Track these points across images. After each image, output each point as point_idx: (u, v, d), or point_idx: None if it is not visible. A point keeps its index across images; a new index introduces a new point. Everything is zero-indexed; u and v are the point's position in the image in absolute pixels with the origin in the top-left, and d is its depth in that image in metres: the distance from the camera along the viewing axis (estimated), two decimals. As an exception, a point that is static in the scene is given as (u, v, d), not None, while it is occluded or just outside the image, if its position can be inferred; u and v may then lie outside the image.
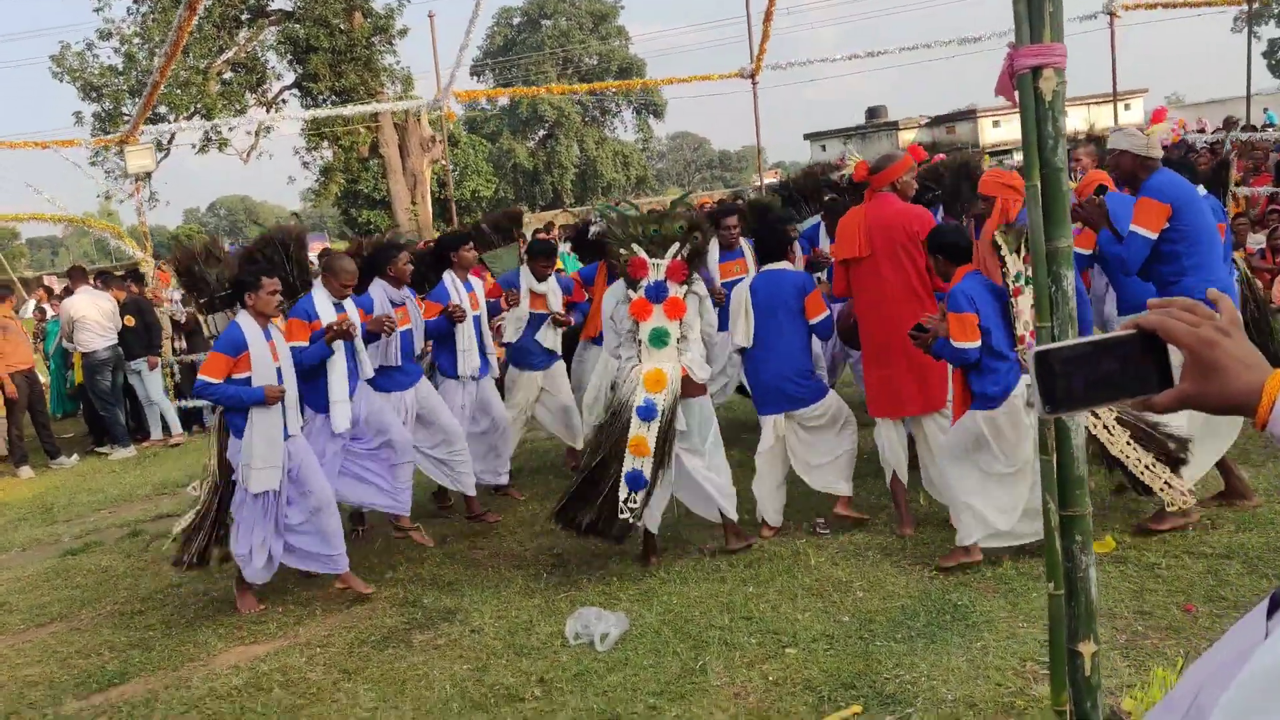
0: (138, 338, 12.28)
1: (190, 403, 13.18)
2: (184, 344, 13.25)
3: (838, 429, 6.68)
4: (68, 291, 12.44)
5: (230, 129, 31.67)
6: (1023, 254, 5.52)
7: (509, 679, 5.03)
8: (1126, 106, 37.02)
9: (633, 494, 5.98)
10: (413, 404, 7.17)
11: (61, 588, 7.42)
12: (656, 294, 6.14)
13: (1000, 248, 5.57)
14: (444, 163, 42.79)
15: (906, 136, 35.71)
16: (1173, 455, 5.61)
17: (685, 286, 6.20)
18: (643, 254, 6.16)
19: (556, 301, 7.91)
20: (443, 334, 7.46)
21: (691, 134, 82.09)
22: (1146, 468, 5.57)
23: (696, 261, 6.26)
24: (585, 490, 6.09)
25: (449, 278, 7.54)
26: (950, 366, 5.81)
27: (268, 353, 6.14)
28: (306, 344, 6.44)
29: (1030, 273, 5.45)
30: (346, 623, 6.08)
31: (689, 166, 79.40)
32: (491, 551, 7.04)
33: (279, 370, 6.21)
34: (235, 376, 6.08)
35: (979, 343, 5.51)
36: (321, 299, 6.57)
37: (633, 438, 6.02)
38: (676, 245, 6.17)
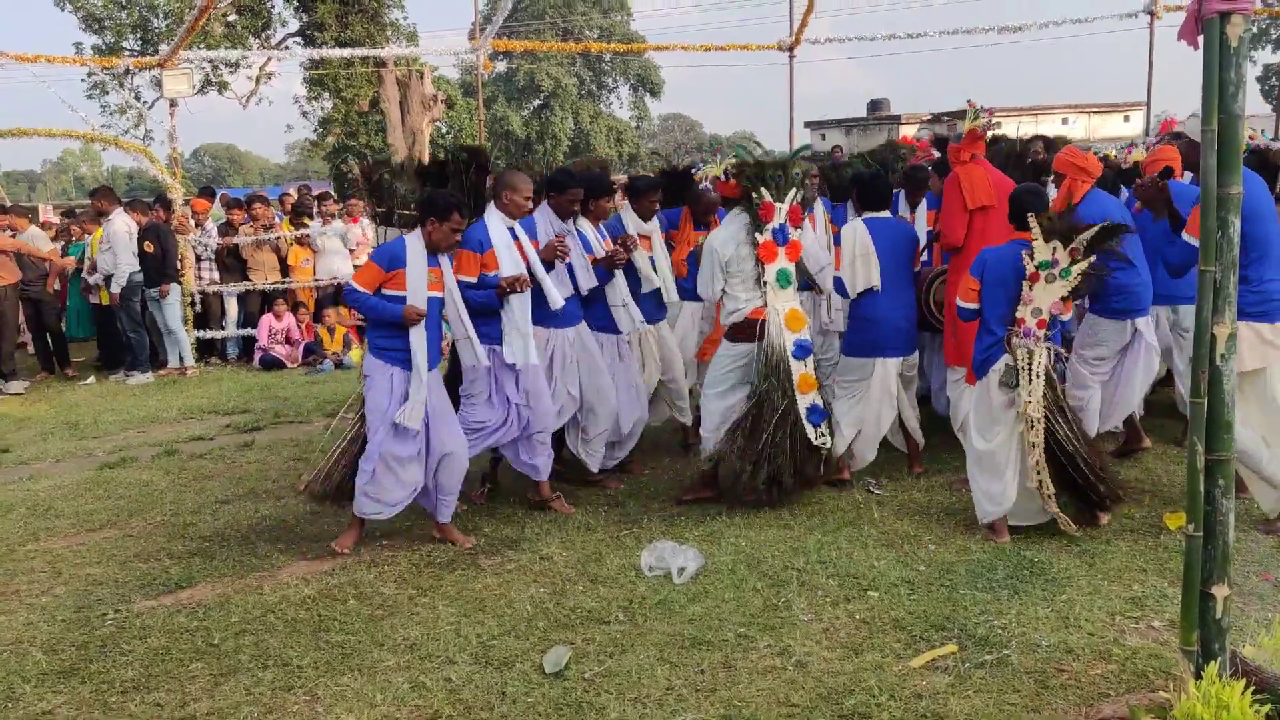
0: (155, 265, 12.16)
1: (210, 333, 13.10)
2: (215, 275, 13.14)
3: (914, 385, 7.05)
4: (99, 214, 12.26)
5: (236, 66, 31.33)
6: (1070, 246, 5.45)
7: (590, 603, 5.06)
8: (1126, 118, 37.22)
9: (819, 427, 6.29)
10: (573, 345, 6.70)
11: (104, 497, 7.37)
12: (782, 236, 6.37)
13: (1031, 228, 5.55)
14: (453, 121, 42.36)
15: (908, 131, 35.75)
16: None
17: (800, 230, 6.46)
18: (770, 198, 6.33)
19: (659, 240, 7.34)
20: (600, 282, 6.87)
21: (684, 116, 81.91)
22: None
23: (808, 206, 6.56)
24: (756, 446, 6.21)
25: (586, 226, 6.90)
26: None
27: (425, 279, 5.85)
28: (474, 280, 6.16)
29: (1070, 265, 5.44)
30: (409, 545, 6.08)
31: (680, 148, 79.19)
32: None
33: (437, 302, 5.95)
34: (388, 292, 5.81)
35: (975, 305, 5.76)
36: (495, 224, 6.26)
37: (799, 377, 6.28)
38: (794, 190, 6.39)
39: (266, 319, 12.97)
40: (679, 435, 8.02)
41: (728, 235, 6.43)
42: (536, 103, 60.34)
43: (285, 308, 13.07)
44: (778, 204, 6.33)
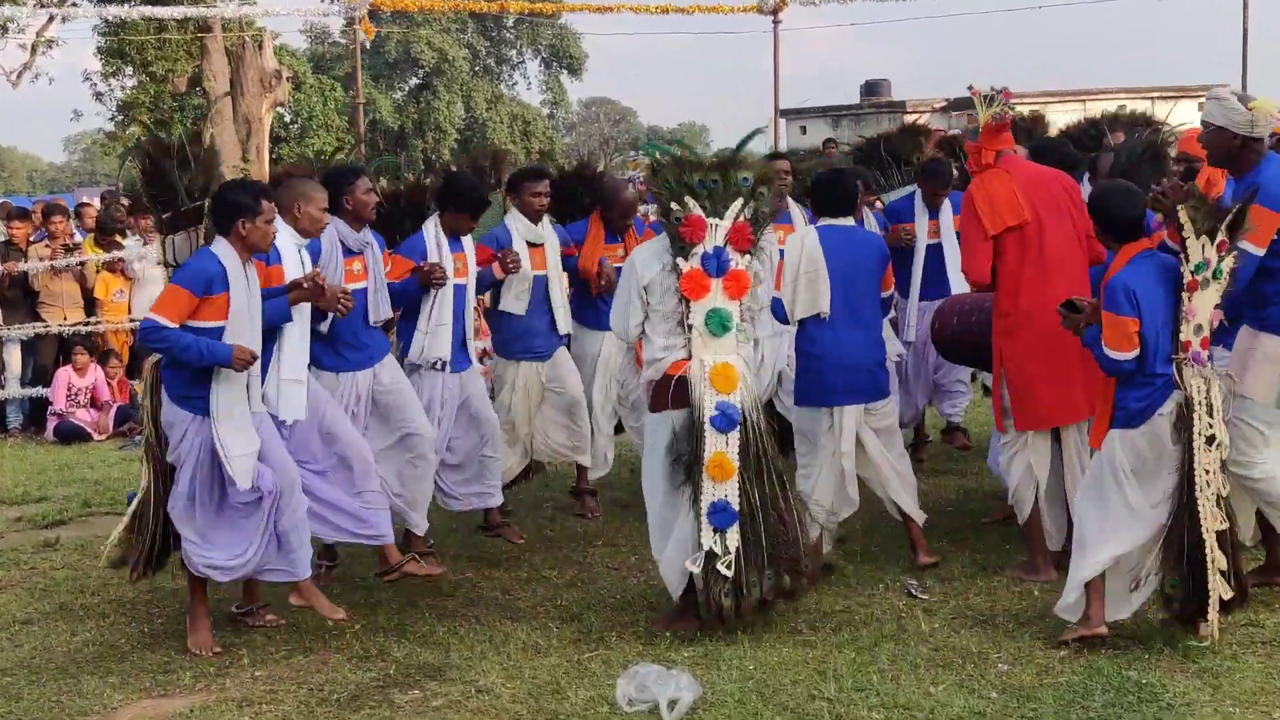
0: None
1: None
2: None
3: (896, 439, 7.32)
4: None
5: (4, 30, 31.13)
6: (1218, 238, 5.78)
7: (552, 750, 5.11)
8: (1201, 106, 38.30)
9: (721, 535, 6.15)
10: (367, 391, 7.16)
11: None
12: (717, 265, 6.33)
13: (1183, 227, 5.81)
14: (300, 106, 42.26)
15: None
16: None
17: (749, 256, 6.43)
18: (699, 211, 6.33)
19: (555, 259, 8.06)
20: (410, 303, 7.49)
21: (613, 101, 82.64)
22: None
23: (762, 224, 6.53)
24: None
25: (432, 228, 7.53)
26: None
27: (250, 300, 6.14)
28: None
29: (1219, 263, 5.79)
30: (289, 675, 6.09)
31: (607, 143, 79.84)
32: (466, 599, 7.09)
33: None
34: (196, 324, 6.03)
35: (1135, 352, 5.82)
36: (284, 240, 6.55)
37: (710, 457, 6.19)
38: (740, 202, 6.39)
39: (64, 374, 12.82)
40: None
41: (652, 253, 6.51)
42: (414, 82, 60.57)
43: (89, 359, 12.96)
44: (712, 220, 6.31)
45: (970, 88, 6.99)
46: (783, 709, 5.38)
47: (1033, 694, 5.40)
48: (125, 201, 15.54)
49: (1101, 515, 5.93)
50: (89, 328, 13.27)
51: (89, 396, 12.82)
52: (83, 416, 12.68)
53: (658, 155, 6.60)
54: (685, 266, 6.30)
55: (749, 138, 6.95)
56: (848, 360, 6.96)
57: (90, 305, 13.48)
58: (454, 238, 7.57)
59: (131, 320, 13.40)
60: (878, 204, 9.21)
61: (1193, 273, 5.78)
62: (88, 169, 78.47)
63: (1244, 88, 15.76)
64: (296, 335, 6.54)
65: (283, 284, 6.49)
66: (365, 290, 7.10)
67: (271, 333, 6.43)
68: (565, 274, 8.36)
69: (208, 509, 6.29)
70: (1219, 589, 5.73)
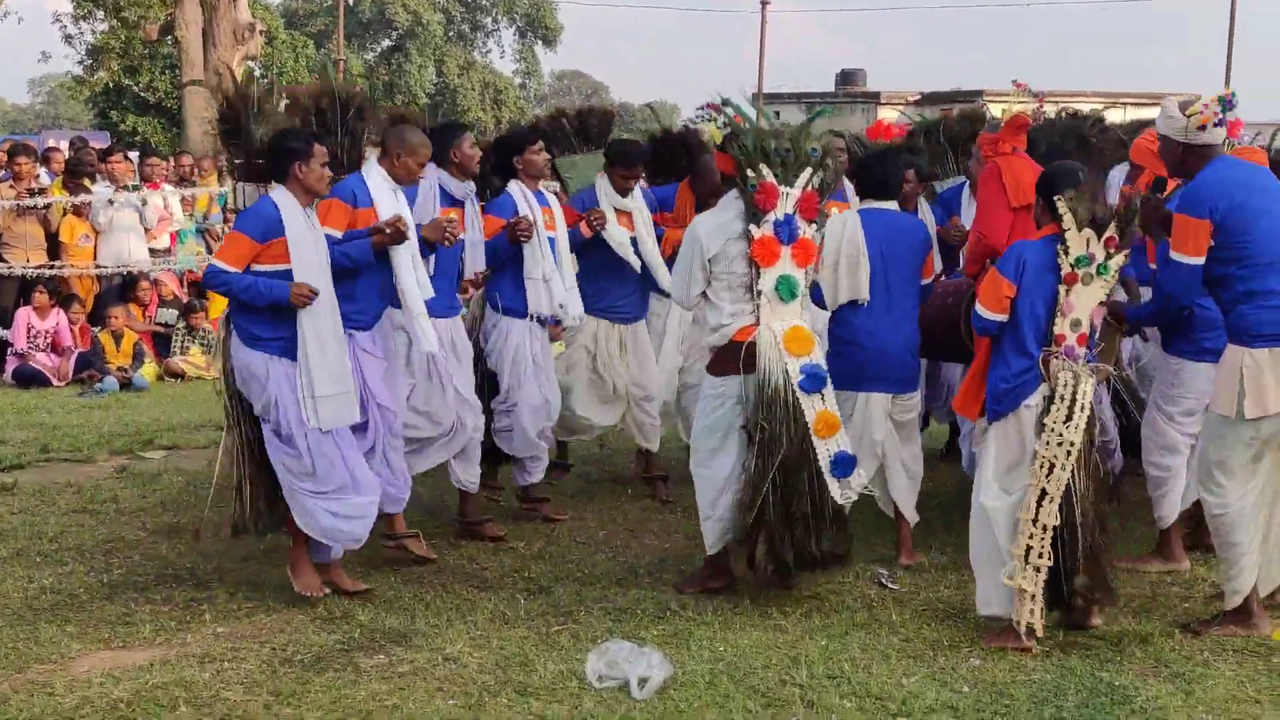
0: None
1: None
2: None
3: (915, 435, 7.27)
4: None
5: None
6: (1104, 235, 5.83)
7: (520, 723, 5.04)
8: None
9: (845, 481, 6.36)
10: (449, 340, 7.27)
11: None
12: (787, 233, 6.39)
13: (1062, 218, 5.85)
14: (270, 61, 41.92)
15: (888, 114, 36.48)
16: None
17: (815, 225, 6.51)
18: (772, 179, 6.36)
19: (645, 222, 8.04)
20: (502, 258, 7.61)
21: (585, 74, 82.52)
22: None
23: (825, 194, 6.64)
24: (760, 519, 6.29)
25: (516, 188, 7.64)
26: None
27: (313, 241, 6.30)
28: (339, 233, 6.60)
29: (1107, 259, 5.84)
30: (251, 633, 6.02)
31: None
32: (432, 566, 7.00)
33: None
34: (263, 268, 6.20)
35: (1003, 317, 5.94)
36: (377, 182, 6.72)
37: (815, 416, 6.33)
38: (809, 172, 6.44)
39: (24, 315, 12.71)
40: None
41: (717, 224, 6.51)
42: (386, 44, 60.25)
43: (51, 302, 12.82)
44: (783, 188, 6.37)
45: (1014, 81, 7.20)
46: (754, 692, 5.32)
47: (1006, 690, 5.37)
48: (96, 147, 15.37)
49: (988, 529, 5.99)
50: (52, 271, 13.13)
51: (50, 341, 12.71)
52: (43, 360, 12.59)
53: (735, 115, 6.70)
54: (757, 233, 6.36)
55: (819, 113, 7.00)
56: (883, 347, 6.90)
57: (54, 249, 13.32)
58: (538, 194, 7.71)
59: (97, 267, 13.28)
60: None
61: (1073, 266, 5.82)
62: (51, 112, 77.61)
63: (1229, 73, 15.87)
64: (408, 278, 6.64)
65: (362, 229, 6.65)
66: (462, 241, 7.21)
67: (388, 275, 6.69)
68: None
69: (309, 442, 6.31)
70: (1026, 583, 5.76)
